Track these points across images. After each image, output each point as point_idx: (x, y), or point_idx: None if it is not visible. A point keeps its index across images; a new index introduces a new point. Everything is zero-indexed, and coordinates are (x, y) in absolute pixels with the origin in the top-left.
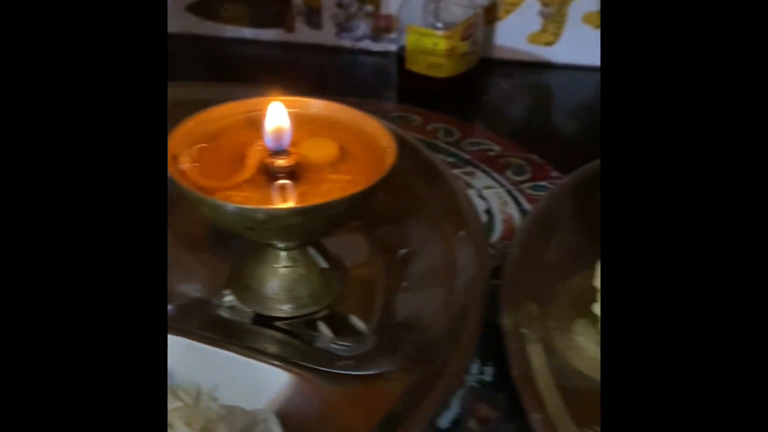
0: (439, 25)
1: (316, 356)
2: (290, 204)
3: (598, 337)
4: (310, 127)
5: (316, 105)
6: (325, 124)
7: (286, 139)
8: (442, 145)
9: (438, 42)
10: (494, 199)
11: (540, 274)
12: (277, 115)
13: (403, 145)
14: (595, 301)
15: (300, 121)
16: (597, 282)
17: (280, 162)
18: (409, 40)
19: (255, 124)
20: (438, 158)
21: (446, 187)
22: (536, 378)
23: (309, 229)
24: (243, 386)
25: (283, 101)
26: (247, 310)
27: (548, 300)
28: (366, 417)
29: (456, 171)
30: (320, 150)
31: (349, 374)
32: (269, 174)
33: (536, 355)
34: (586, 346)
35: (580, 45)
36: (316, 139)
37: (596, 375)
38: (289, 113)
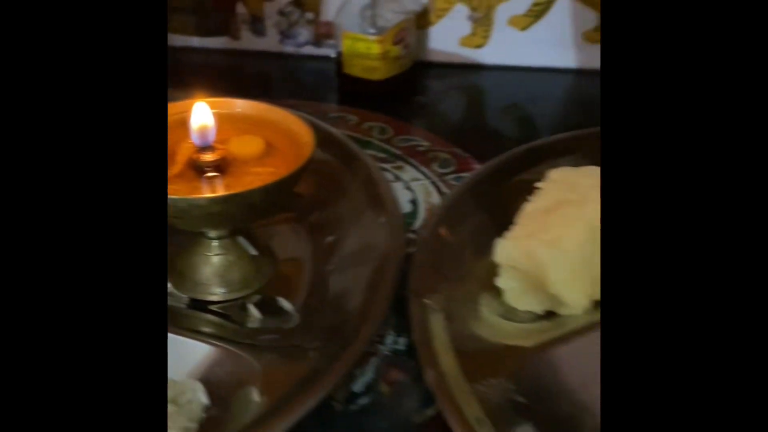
0: (372, 30)
1: (244, 333)
2: (210, 194)
3: (500, 308)
4: (238, 126)
5: (241, 105)
6: (252, 122)
7: (211, 136)
8: (376, 142)
9: (371, 46)
10: (420, 190)
11: (449, 251)
12: (201, 114)
13: (334, 142)
14: (497, 275)
15: (228, 119)
16: (497, 258)
17: (207, 157)
18: (345, 45)
19: (185, 124)
20: (365, 154)
21: (370, 179)
22: (434, 340)
23: (231, 216)
24: (173, 360)
25: (209, 102)
26: (183, 296)
27: (455, 275)
28: (284, 383)
29: (387, 165)
30: (246, 146)
31: (272, 347)
32: (197, 169)
33: (436, 322)
34: (488, 316)
35: (508, 47)
36: (243, 136)
37: (495, 339)
38: (218, 113)
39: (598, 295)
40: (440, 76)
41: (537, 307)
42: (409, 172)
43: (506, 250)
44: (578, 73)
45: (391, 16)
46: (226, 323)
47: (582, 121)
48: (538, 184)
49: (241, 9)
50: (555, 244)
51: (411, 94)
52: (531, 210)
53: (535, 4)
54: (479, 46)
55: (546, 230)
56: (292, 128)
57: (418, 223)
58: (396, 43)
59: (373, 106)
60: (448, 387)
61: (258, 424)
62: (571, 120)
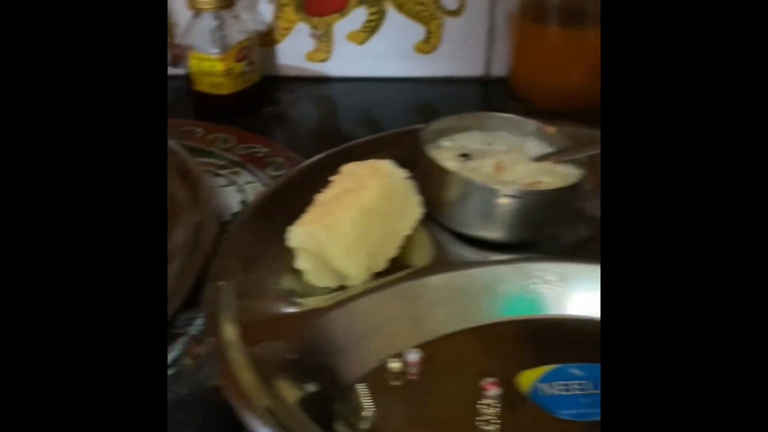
0: (215, 50)
1: None
2: None
3: (302, 286)
4: None
5: None
6: None
7: None
8: (217, 151)
9: (215, 65)
10: (251, 192)
11: (255, 241)
12: None
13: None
14: (295, 258)
15: None
16: (290, 242)
17: None
18: (192, 64)
19: None
20: (195, 163)
21: (197, 185)
22: (219, 315)
23: None
24: None
25: None
26: None
27: (259, 261)
28: None
29: (224, 171)
30: None
31: None
32: None
33: (227, 300)
34: (285, 293)
35: (350, 60)
36: None
37: (280, 311)
38: None
39: (375, 267)
40: (290, 89)
41: (331, 282)
42: (244, 177)
43: (296, 235)
44: (413, 81)
45: (236, 35)
46: None
47: (418, 122)
48: (331, 178)
49: None
50: (332, 226)
51: (261, 106)
52: (321, 199)
53: (368, 21)
54: (324, 60)
55: (327, 215)
56: None
57: None
58: (239, 60)
59: (224, 119)
60: (224, 350)
61: None
62: (409, 123)
